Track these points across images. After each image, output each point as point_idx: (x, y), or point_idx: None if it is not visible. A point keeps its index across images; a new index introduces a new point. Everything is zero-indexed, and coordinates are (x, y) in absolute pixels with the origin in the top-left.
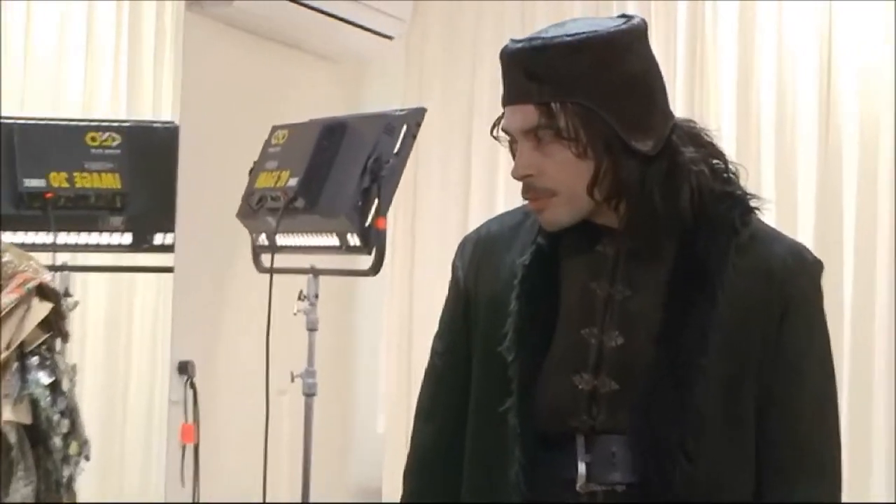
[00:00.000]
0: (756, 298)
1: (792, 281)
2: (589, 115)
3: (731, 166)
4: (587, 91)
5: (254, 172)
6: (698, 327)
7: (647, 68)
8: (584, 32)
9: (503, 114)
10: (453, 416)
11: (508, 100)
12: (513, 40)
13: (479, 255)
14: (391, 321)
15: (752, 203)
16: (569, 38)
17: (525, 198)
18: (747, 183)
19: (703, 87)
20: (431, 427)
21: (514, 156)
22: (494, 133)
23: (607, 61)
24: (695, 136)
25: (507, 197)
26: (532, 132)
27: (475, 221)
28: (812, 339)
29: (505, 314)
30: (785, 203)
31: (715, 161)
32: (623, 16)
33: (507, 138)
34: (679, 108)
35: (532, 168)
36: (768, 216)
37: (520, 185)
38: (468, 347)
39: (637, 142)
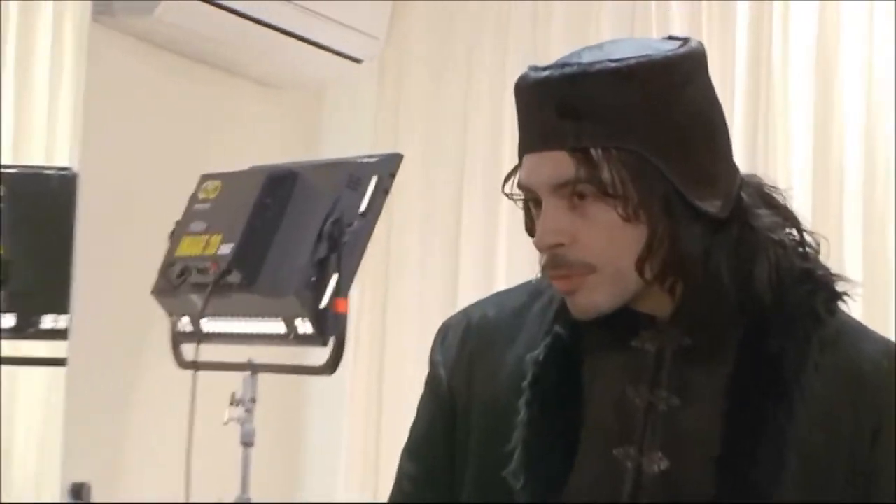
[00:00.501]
0: (843, 410)
1: (888, 390)
2: (642, 165)
3: (807, 237)
4: (639, 133)
5: (175, 236)
6: (772, 447)
7: (709, 105)
8: (632, 57)
9: (519, 164)
10: None
11: (531, 145)
12: (534, 67)
13: (472, 347)
14: (353, 435)
15: (839, 287)
16: (614, 64)
17: (551, 275)
18: (829, 259)
19: (769, 130)
20: None
21: (528, 220)
22: (507, 189)
23: (664, 95)
24: (765, 196)
25: (510, 272)
26: (566, 187)
27: (466, 300)
28: None
29: (509, 427)
30: (874, 287)
31: (789, 230)
32: (672, 38)
33: (526, 196)
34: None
35: (564, 235)
36: (852, 304)
37: (531, 258)
38: (452, 472)
39: (702, 201)
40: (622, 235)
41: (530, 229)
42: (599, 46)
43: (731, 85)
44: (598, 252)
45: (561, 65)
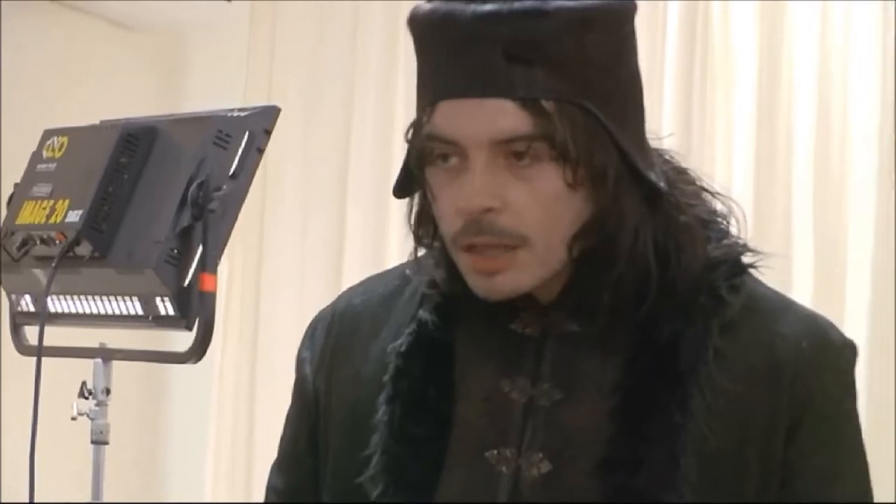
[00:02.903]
0: (753, 403)
1: (809, 377)
2: (594, 126)
3: (719, 204)
4: (593, 89)
5: (14, 201)
6: (662, 448)
7: (638, 65)
8: (590, 0)
9: (427, 111)
10: None
11: (461, 89)
12: None
13: (334, 341)
14: (221, 430)
15: (746, 259)
16: (571, 6)
17: (472, 243)
18: (773, 233)
19: (706, 86)
20: None
21: (414, 184)
22: (415, 135)
23: (617, 48)
24: (673, 163)
25: (403, 245)
26: (507, 143)
27: (353, 279)
28: (841, 469)
29: (370, 431)
30: (828, 274)
31: (703, 201)
32: None
33: (438, 151)
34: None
35: (497, 198)
36: (804, 291)
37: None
38: (317, 486)
39: (648, 171)
40: (563, 205)
41: (403, 193)
42: None
43: (661, 32)
44: (533, 222)
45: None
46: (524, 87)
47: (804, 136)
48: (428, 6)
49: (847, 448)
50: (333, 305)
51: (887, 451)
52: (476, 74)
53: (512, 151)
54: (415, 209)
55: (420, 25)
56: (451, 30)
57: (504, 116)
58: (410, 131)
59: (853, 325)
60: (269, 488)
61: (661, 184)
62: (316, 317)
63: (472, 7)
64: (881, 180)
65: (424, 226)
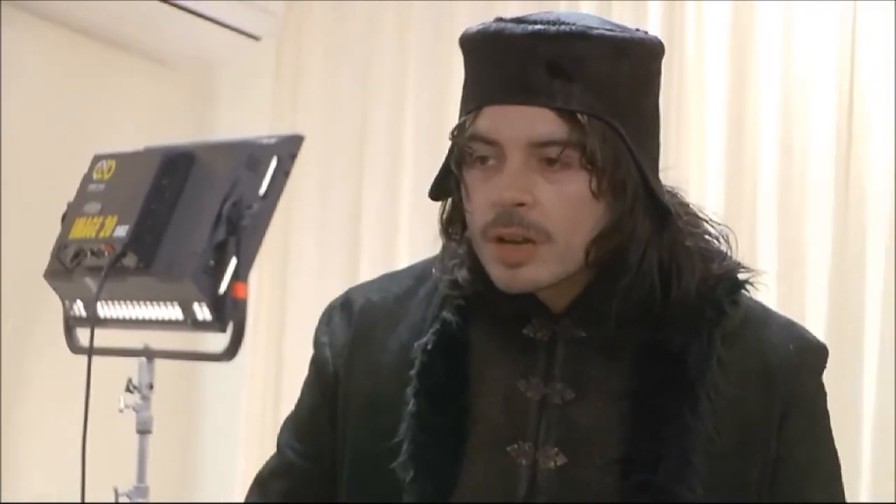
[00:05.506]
0: (752, 405)
1: (794, 378)
2: (619, 144)
3: (715, 228)
4: (622, 111)
5: (68, 218)
6: (676, 447)
7: (659, 105)
8: (628, 32)
9: (471, 116)
10: None
11: (505, 96)
12: (512, 20)
13: (354, 333)
14: (251, 422)
15: (742, 275)
16: (612, 34)
17: (498, 234)
18: (736, 251)
19: (682, 123)
20: None
21: (449, 180)
22: (458, 136)
23: (646, 79)
24: (674, 194)
25: (413, 253)
26: (543, 147)
27: None
28: (820, 455)
29: (392, 419)
30: (789, 281)
31: (702, 226)
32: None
33: (478, 153)
34: None
35: (528, 194)
36: (767, 298)
37: (434, 236)
38: (334, 459)
39: (661, 195)
40: (585, 210)
41: (438, 191)
42: (580, 15)
43: None
44: (558, 220)
45: (553, 21)
46: (563, 99)
47: (769, 149)
48: (481, 25)
49: (823, 438)
50: (347, 297)
51: (842, 440)
52: (521, 84)
53: (545, 157)
54: (447, 209)
55: (472, 40)
56: (502, 44)
57: (543, 122)
58: (455, 133)
59: (812, 323)
60: (286, 446)
61: (669, 206)
62: (330, 304)
63: (523, 25)
64: (837, 188)
65: (454, 225)
